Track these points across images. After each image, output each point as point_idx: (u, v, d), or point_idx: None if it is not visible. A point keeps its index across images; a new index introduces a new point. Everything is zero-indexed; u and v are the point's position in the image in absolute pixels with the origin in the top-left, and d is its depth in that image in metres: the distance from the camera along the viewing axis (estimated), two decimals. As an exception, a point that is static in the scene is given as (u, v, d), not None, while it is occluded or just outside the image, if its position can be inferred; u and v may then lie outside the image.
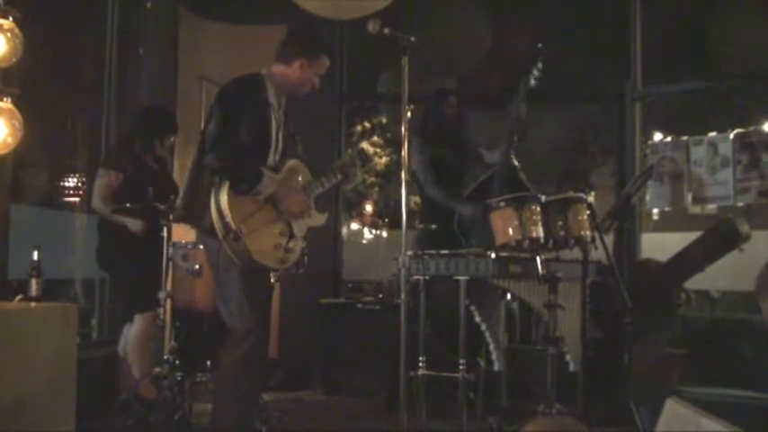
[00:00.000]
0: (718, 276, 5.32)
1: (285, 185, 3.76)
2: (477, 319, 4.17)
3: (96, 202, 4.88)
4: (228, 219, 3.50)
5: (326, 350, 5.85)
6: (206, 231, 3.65)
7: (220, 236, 3.53)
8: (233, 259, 3.58)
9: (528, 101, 4.51)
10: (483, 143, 5.06)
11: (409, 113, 3.59)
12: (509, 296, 4.30)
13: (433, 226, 4.68)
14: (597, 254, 4.12)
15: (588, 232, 3.92)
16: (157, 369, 4.52)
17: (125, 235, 4.79)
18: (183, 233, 4.76)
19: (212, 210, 3.54)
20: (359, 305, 5.89)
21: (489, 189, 4.55)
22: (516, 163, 4.65)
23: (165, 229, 4.49)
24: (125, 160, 4.95)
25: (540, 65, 4.51)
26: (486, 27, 7.03)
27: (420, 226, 4.80)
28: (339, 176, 4.01)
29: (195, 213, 3.71)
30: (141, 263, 4.68)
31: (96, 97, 5.90)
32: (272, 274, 4.02)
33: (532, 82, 4.50)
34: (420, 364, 4.07)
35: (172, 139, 5.17)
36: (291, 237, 3.76)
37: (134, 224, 4.76)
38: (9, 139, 3.96)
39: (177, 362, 4.51)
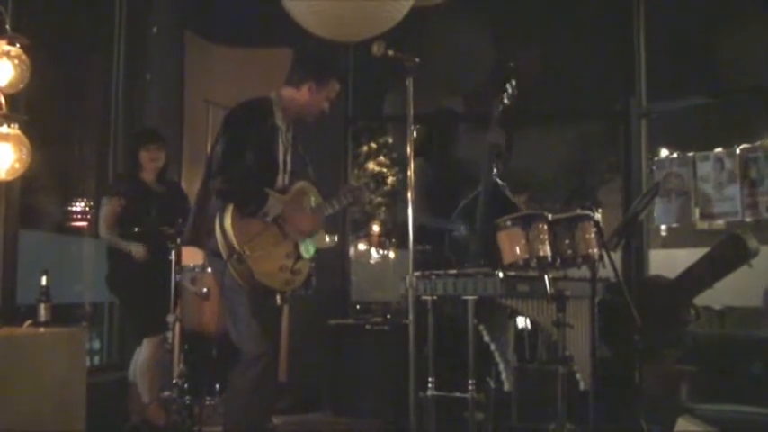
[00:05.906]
0: (727, 292, 5.28)
1: (292, 206, 3.76)
2: (486, 338, 4.15)
3: (102, 231, 4.91)
4: (232, 240, 3.51)
5: (335, 371, 5.82)
6: (212, 253, 3.66)
7: (224, 257, 3.53)
8: (238, 281, 3.58)
9: (506, 122, 4.40)
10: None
11: (415, 133, 3.60)
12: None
13: (428, 246, 4.65)
14: (605, 272, 4.10)
15: (596, 250, 3.90)
16: (166, 393, 4.52)
17: (133, 259, 4.81)
18: (191, 256, 4.77)
19: (217, 231, 3.55)
20: (367, 326, 5.86)
21: (473, 211, 4.48)
22: (500, 182, 4.56)
23: (172, 253, 4.50)
24: (125, 186, 4.98)
25: (513, 83, 4.44)
26: (490, 46, 7.04)
27: (418, 247, 4.76)
28: (350, 199, 4.02)
29: (202, 236, 3.72)
30: (149, 287, 4.69)
31: (104, 122, 5.94)
32: (277, 296, 4.00)
33: (506, 101, 4.44)
34: (429, 385, 4.05)
35: (155, 147, 5.07)
36: (298, 258, 3.75)
37: (136, 249, 4.78)
38: (17, 165, 3.99)
39: (186, 385, 4.51)
